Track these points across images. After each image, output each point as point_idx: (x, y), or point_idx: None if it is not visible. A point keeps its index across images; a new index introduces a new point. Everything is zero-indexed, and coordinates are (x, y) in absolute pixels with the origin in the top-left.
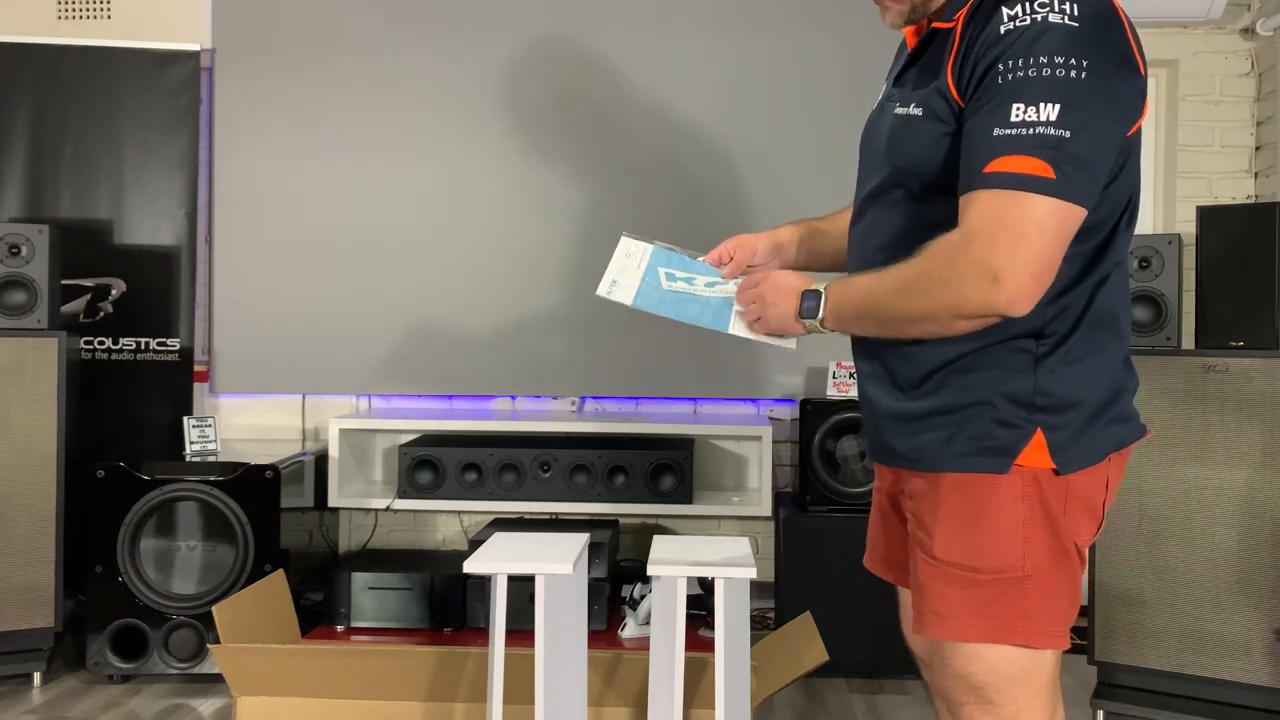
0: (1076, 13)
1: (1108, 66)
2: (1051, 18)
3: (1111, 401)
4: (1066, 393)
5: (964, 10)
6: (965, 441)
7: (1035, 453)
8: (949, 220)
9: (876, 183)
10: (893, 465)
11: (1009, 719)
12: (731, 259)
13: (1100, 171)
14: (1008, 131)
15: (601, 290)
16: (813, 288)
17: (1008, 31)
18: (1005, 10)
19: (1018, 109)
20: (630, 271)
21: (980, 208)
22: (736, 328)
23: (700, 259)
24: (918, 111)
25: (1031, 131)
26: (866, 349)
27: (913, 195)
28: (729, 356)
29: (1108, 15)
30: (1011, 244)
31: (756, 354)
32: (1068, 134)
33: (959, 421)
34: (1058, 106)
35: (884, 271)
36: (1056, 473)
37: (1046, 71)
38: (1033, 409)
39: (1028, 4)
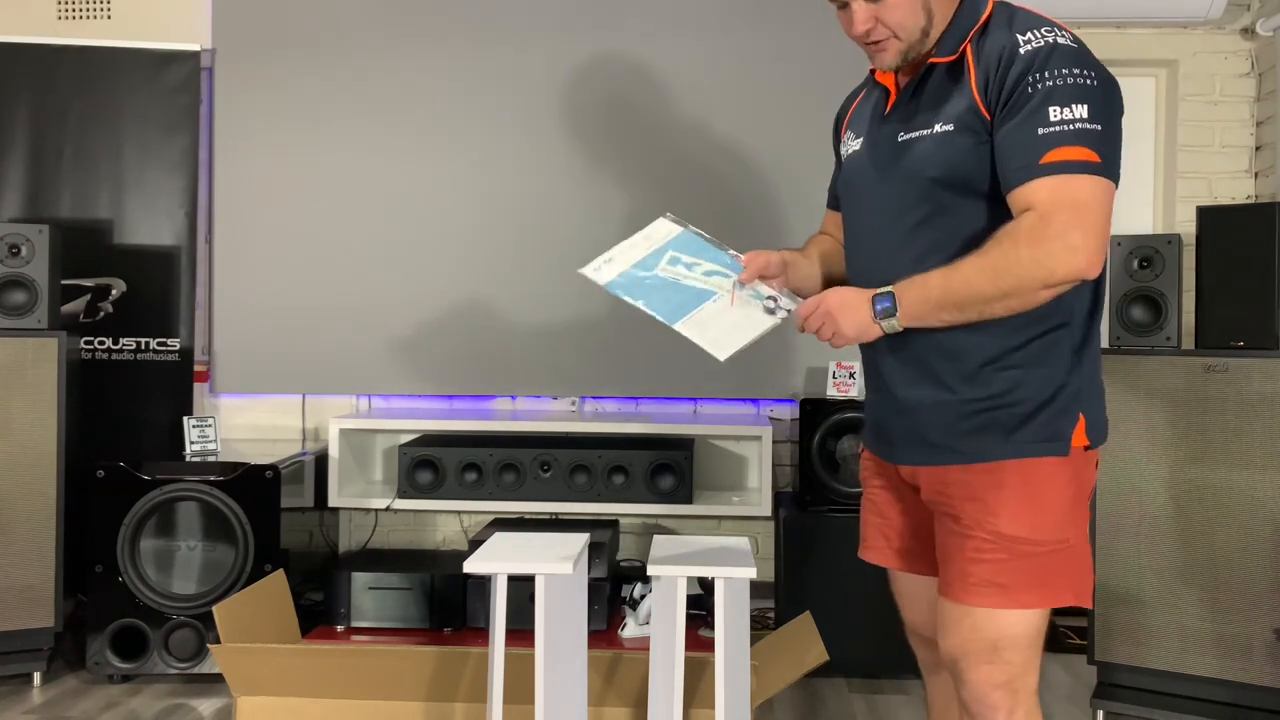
0: (1070, 36)
1: (1105, 74)
2: (1058, 39)
3: (1101, 377)
4: (1094, 375)
5: (966, 42)
6: (1032, 430)
7: (1079, 434)
8: (987, 225)
9: (920, 211)
10: (937, 464)
11: (1018, 675)
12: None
13: (1120, 154)
14: (1052, 129)
15: (588, 269)
16: (882, 291)
17: (1027, 52)
18: (1019, 36)
19: (1054, 110)
20: (636, 249)
21: (1049, 191)
22: (688, 325)
23: (730, 252)
24: (949, 127)
25: (1071, 127)
26: (907, 355)
27: (948, 208)
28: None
29: (1082, 41)
30: (1084, 218)
31: (757, 354)
32: (1099, 126)
33: (1022, 414)
34: (1086, 106)
35: (956, 264)
36: (1087, 448)
37: (1070, 80)
38: (1079, 395)
39: (1035, 31)
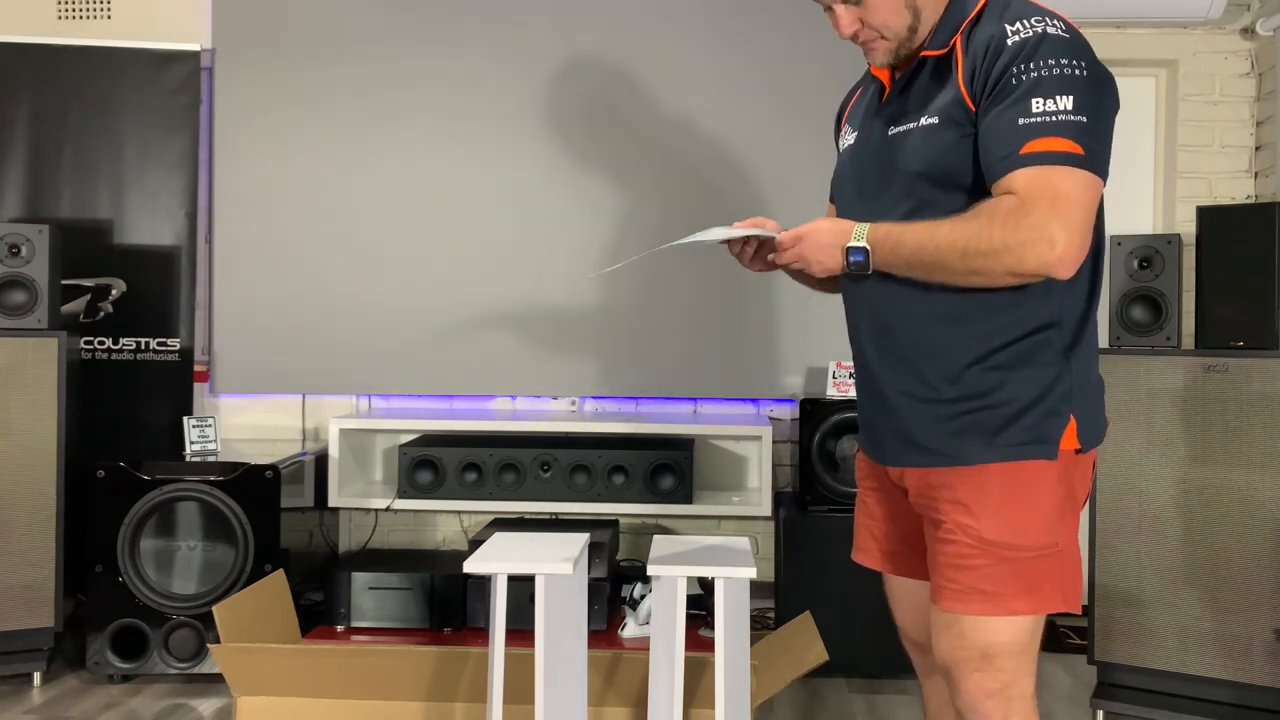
0: (1064, 25)
1: (1097, 66)
2: (1048, 29)
3: (1099, 377)
4: (1088, 375)
5: (958, 35)
6: (1017, 432)
7: (1069, 437)
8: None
9: (905, 205)
10: (922, 465)
11: (1011, 682)
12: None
13: (1109, 150)
14: (1034, 119)
15: (598, 272)
16: (854, 244)
17: (1014, 43)
18: (1008, 26)
19: (1037, 102)
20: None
21: (1029, 181)
22: (677, 244)
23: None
24: (934, 120)
25: (1054, 119)
26: (892, 354)
27: (933, 203)
28: (729, 356)
29: (1078, 30)
30: (1065, 211)
31: (756, 354)
32: (1084, 119)
33: (1006, 416)
34: (1071, 98)
35: (934, 228)
36: (1078, 452)
37: (1056, 71)
38: (1069, 397)
39: (1026, 20)
